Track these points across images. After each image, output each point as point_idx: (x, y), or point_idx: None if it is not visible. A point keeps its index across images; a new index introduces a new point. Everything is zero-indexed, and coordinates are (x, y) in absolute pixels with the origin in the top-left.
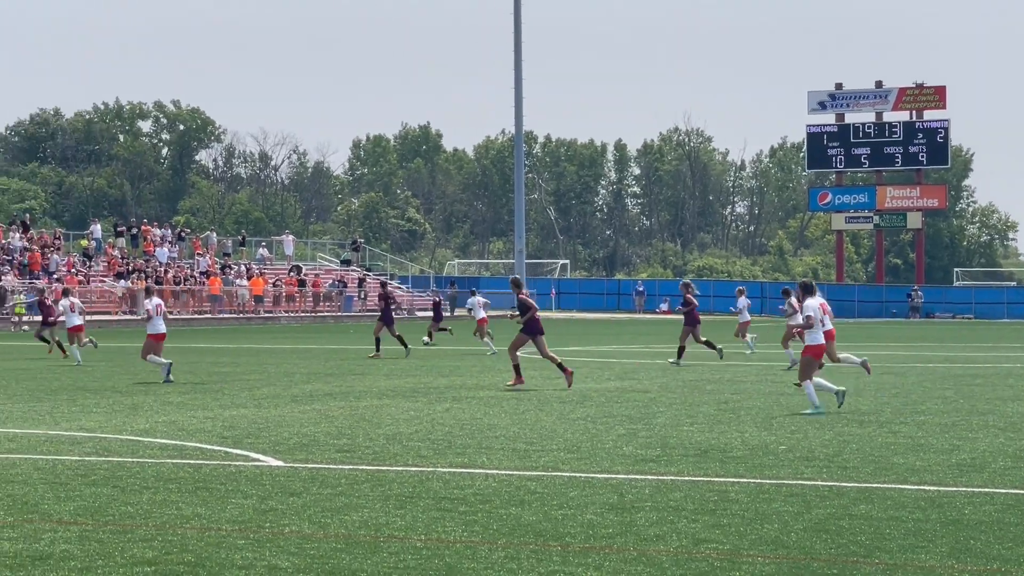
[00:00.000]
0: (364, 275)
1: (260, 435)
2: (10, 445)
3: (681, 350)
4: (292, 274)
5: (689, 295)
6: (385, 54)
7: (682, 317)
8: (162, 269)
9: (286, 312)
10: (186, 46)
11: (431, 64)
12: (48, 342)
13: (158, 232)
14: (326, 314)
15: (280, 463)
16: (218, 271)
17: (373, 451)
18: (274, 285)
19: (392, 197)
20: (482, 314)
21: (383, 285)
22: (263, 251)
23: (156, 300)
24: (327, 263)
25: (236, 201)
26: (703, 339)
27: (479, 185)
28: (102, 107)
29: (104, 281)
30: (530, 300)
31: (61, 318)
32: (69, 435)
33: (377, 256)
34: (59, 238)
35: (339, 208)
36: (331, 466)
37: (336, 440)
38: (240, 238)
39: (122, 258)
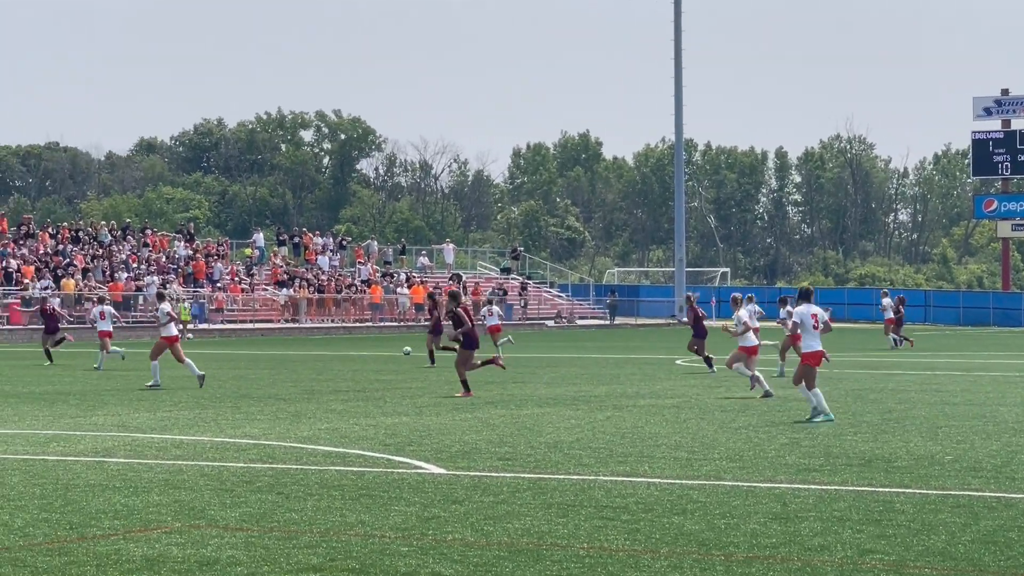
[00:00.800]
0: (524, 283)
1: (422, 443)
2: (176, 451)
3: (708, 359)
4: (452, 282)
5: (695, 308)
6: (545, 62)
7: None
8: (324, 277)
9: (447, 320)
10: (348, 56)
11: (591, 72)
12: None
13: (320, 241)
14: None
15: (442, 471)
16: (379, 279)
17: (534, 459)
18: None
19: (552, 205)
20: (495, 321)
21: (430, 296)
22: (424, 259)
23: (168, 306)
24: (487, 271)
25: (397, 210)
26: (701, 352)
27: (639, 193)
28: (265, 117)
29: (267, 289)
30: (466, 315)
31: (95, 325)
32: (234, 442)
33: (537, 264)
34: (224, 246)
35: (499, 216)
36: (493, 474)
37: (497, 448)
38: (400, 246)
39: (284, 266)
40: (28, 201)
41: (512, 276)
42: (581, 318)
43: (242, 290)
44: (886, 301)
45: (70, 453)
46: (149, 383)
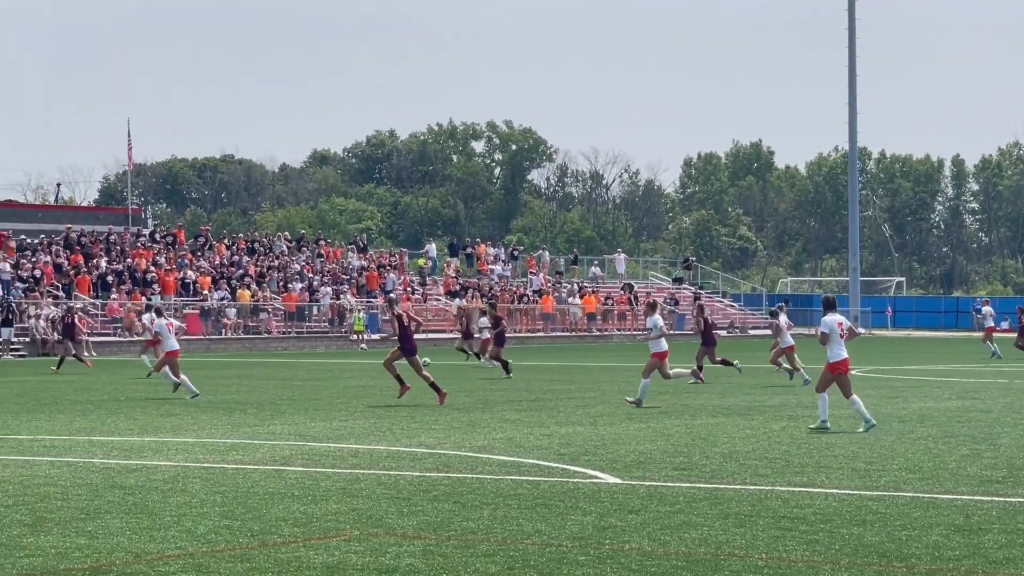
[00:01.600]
0: (697, 293)
1: (596, 452)
2: (353, 460)
3: (699, 367)
4: (624, 292)
5: (704, 316)
6: (717, 72)
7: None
8: (497, 288)
9: (618, 330)
10: (519, 67)
11: (763, 81)
12: (77, 359)
13: (492, 251)
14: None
15: (617, 480)
16: (550, 289)
17: (710, 469)
18: (606, 303)
19: (723, 215)
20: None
21: (492, 306)
22: (595, 269)
23: (166, 319)
24: (659, 281)
25: (568, 220)
26: (719, 359)
27: (812, 202)
28: (436, 128)
29: (439, 300)
30: (407, 319)
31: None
32: (409, 451)
33: (708, 274)
34: (396, 256)
35: (670, 226)
36: (669, 484)
37: (672, 458)
38: (572, 256)
39: (457, 277)
40: (204, 213)
41: (684, 286)
42: (753, 328)
43: (415, 300)
44: (986, 310)
45: (249, 461)
46: (190, 396)
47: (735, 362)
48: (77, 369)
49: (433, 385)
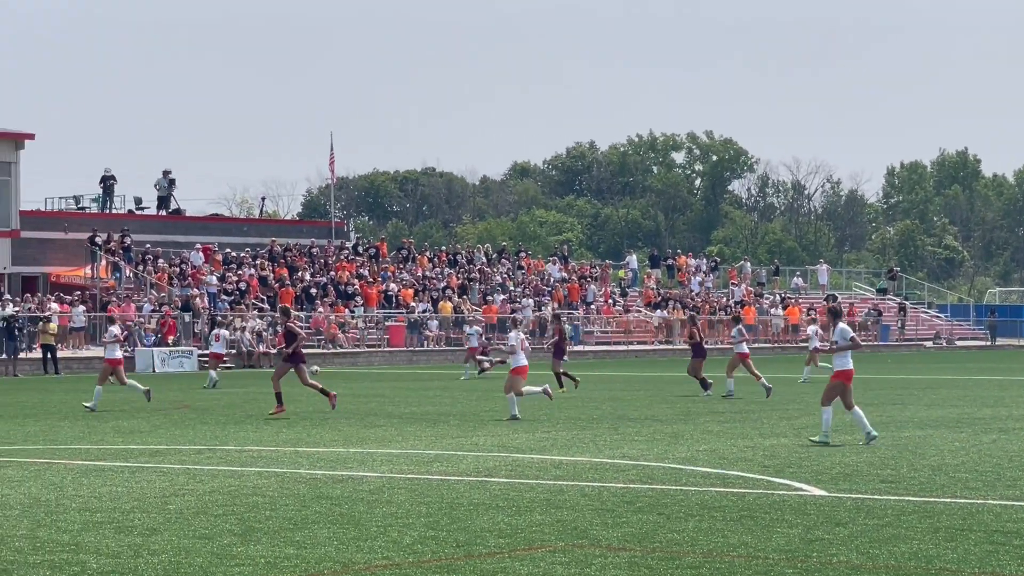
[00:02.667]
0: (902, 304)
1: (801, 464)
2: (556, 472)
3: (703, 381)
4: (827, 303)
5: (695, 329)
6: (921, 80)
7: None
8: (697, 299)
9: (822, 342)
10: (719, 77)
11: (969, 88)
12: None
13: (692, 262)
14: (862, 343)
15: (823, 492)
16: (752, 300)
17: (919, 482)
18: (808, 314)
19: (928, 224)
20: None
21: (556, 318)
22: (798, 280)
23: (118, 328)
24: (862, 292)
25: (769, 230)
26: (701, 375)
27: (1020, 211)
28: (636, 139)
29: (640, 311)
30: (298, 328)
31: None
32: (612, 463)
33: (914, 284)
34: (597, 268)
35: (873, 236)
36: (876, 496)
37: (880, 471)
38: (774, 267)
39: (657, 288)
40: (405, 225)
41: (888, 296)
42: (960, 339)
43: (616, 312)
44: None
45: (453, 472)
46: (88, 404)
47: (710, 384)
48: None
49: (322, 391)
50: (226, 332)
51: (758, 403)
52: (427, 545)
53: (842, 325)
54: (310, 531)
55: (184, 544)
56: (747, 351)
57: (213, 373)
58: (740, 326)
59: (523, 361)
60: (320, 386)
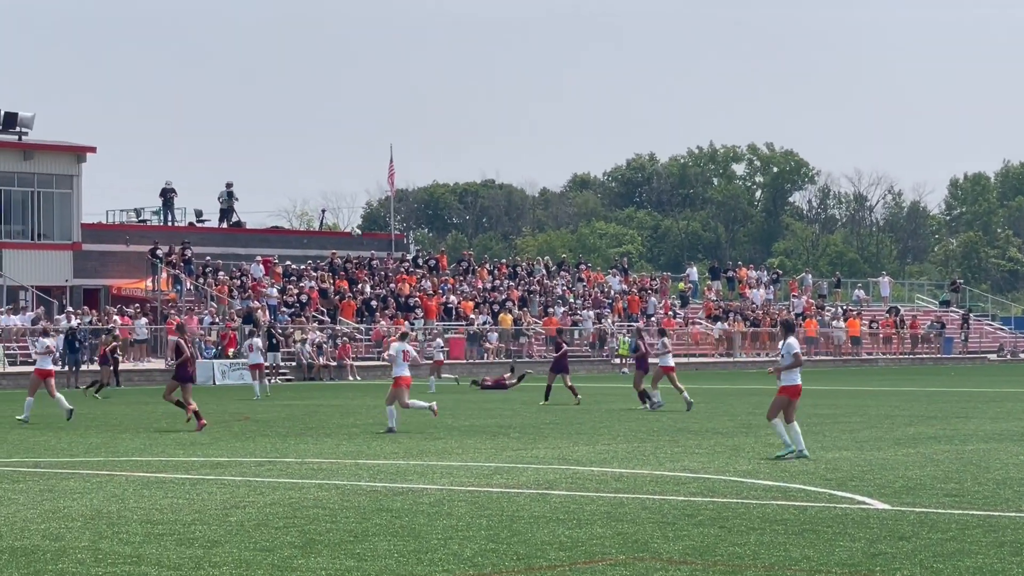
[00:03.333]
0: (965, 316)
1: (864, 478)
2: (617, 484)
3: (642, 394)
4: (889, 315)
5: (640, 342)
6: (986, 90)
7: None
8: (758, 311)
9: (884, 354)
10: (780, 89)
11: None
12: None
13: (753, 274)
14: (924, 356)
15: (886, 506)
16: (813, 313)
17: (983, 496)
18: (870, 326)
19: (992, 236)
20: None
21: (559, 332)
22: (859, 292)
23: (49, 341)
24: (925, 304)
25: (830, 242)
26: (641, 387)
27: None
28: (696, 151)
29: (700, 323)
30: (186, 347)
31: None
32: (673, 475)
33: (977, 297)
34: (658, 280)
35: (936, 248)
36: (940, 510)
37: (943, 484)
38: (835, 279)
39: (718, 300)
40: (465, 238)
41: (951, 309)
42: None
43: (676, 324)
44: None
45: (513, 485)
46: (20, 417)
47: (654, 397)
48: (344, 394)
49: (196, 413)
50: (258, 341)
51: (819, 416)
52: (487, 558)
53: (791, 340)
54: (370, 543)
55: (245, 556)
56: (672, 364)
57: (256, 385)
58: (665, 338)
59: (405, 372)
60: (192, 408)
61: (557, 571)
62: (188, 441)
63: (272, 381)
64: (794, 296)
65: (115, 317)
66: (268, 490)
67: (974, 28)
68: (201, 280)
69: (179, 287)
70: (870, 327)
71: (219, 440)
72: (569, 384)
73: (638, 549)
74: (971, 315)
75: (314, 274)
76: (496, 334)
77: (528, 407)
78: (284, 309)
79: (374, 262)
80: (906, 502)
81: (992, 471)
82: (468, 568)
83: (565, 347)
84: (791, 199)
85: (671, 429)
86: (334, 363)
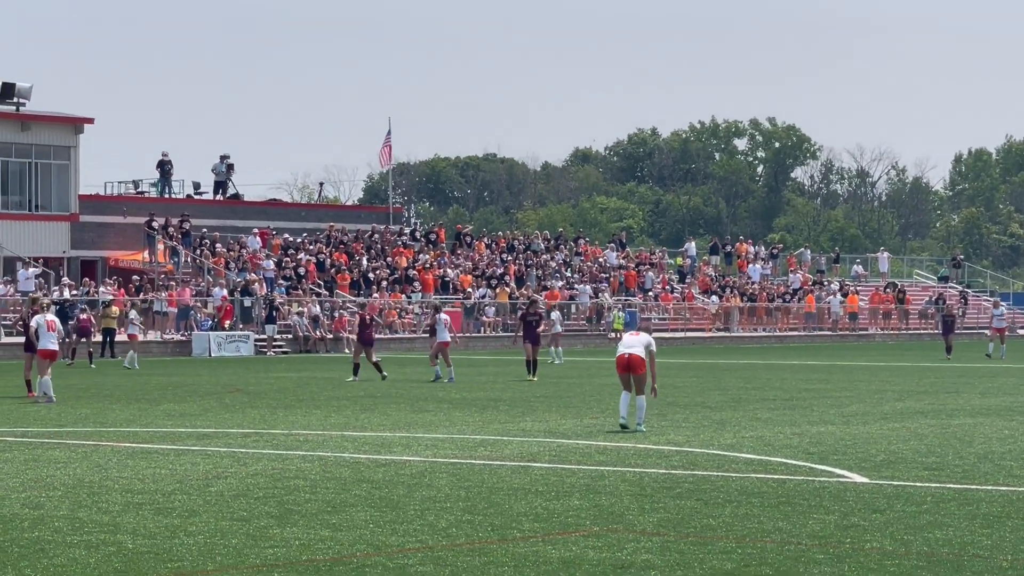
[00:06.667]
0: (963, 292)
1: (847, 452)
2: (600, 457)
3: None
4: (887, 291)
5: (363, 315)
6: (987, 66)
7: None
8: (756, 286)
9: (881, 330)
10: (782, 64)
11: None
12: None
13: (752, 249)
14: (922, 331)
15: (865, 480)
16: (811, 288)
17: (962, 469)
18: (869, 302)
19: (994, 212)
20: (446, 336)
21: (362, 306)
22: (857, 268)
23: (49, 317)
24: (924, 280)
25: (832, 218)
26: (374, 360)
27: None
28: (698, 126)
29: (697, 298)
30: (32, 324)
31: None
32: (657, 448)
33: (977, 272)
34: (656, 254)
35: (938, 224)
36: (917, 484)
37: (924, 458)
38: (834, 255)
39: (715, 276)
40: (467, 212)
41: (950, 284)
42: (1023, 328)
43: (674, 299)
44: (996, 312)
45: (497, 457)
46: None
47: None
48: (339, 367)
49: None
50: (135, 314)
51: (810, 391)
52: (462, 529)
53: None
54: (347, 514)
55: (221, 526)
56: (448, 339)
57: (129, 355)
58: (441, 314)
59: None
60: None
61: (529, 542)
62: (177, 412)
63: (268, 354)
64: (792, 271)
65: (107, 288)
66: (251, 461)
67: (978, 3)
68: (198, 252)
69: (176, 259)
70: (868, 303)
71: (208, 412)
72: (373, 360)
73: (613, 520)
74: (969, 291)
75: (311, 247)
76: (493, 308)
77: (520, 382)
78: (282, 282)
79: (372, 235)
80: (885, 476)
81: (975, 445)
82: (441, 539)
83: (372, 320)
84: (793, 174)
85: (660, 403)
86: (330, 336)
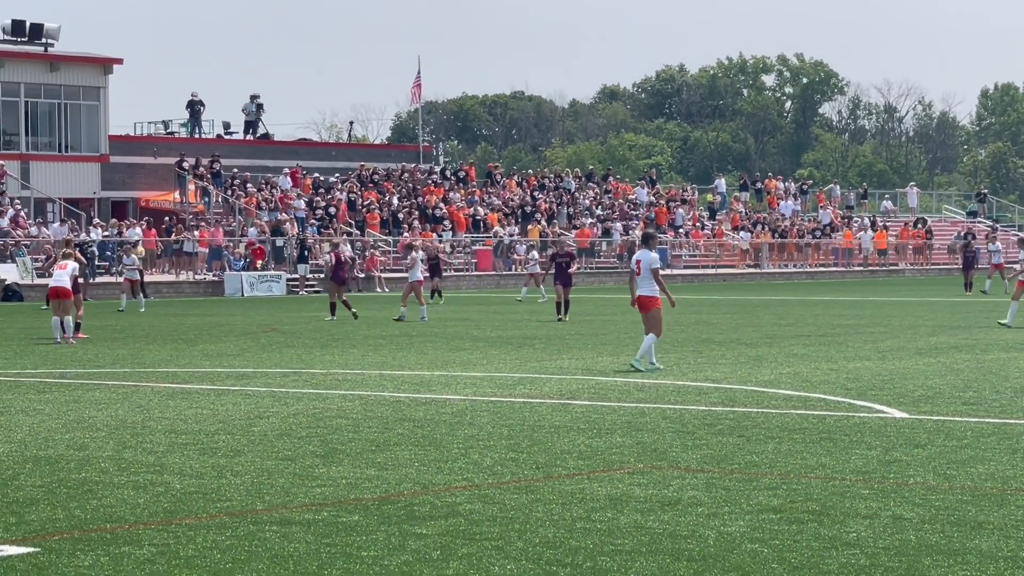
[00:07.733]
0: (993, 226)
1: (884, 387)
2: (639, 395)
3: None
4: (917, 226)
5: (338, 254)
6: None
7: None
8: (787, 223)
9: (911, 265)
10: (807, 0)
11: None
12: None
13: (781, 186)
14: (952, 266)
15: (904, 415)
16: (841, 224)
17: (1000, 404)
18: (898, 237)
19: (1021, 147)
20: (418, 275)
21: (335, 246)
22: (887, 203)
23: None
24: (952, 215)
25: (860, 153)
26: (343, 299)
27: None
28: (726, 62)
29: (728, 235)
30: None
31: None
32: (695, 385)
33: (1004, 207)
34: (687, 192)
35: (965, 159)
36: (956, 418)
37: (962, 393)
38: (862, 190)
39: (746, 212)
40: (494, 150)
41: (979, 219)
42: None
43: (704, 236)
44: (992, 247)
45: (536, 395)
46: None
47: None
48: (372, 306)
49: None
50: (135, 258)
51: (844, 327)
52: (507, 467)
53: (651, 254)
54: (392, 453)
55: (267, 465)
56: (421, 278)
57: (124, 299)
58: (414, 254)
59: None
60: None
61: (575, 479)
62: (214, 352)
63: (301, 293)
64: (822, 207)
65: (137, 229)
66: (292, 400)
67: None
68: (229, 193)
69: (207, 199)
70: (897, 238)
71: (245, 352)
72: (343, 298)
73: (656, 458)
74: (998, 225)
75: (342, 186)
76: (524, 246)
77: (552, 319)
78: (313, 221)
79: (403, 175)
80: (924, 411)
81: (1011, 379)
82: (487, 477)
83: (344, 262)
84: (821, 110)
85: (695, 340)
86: (362, 275)
